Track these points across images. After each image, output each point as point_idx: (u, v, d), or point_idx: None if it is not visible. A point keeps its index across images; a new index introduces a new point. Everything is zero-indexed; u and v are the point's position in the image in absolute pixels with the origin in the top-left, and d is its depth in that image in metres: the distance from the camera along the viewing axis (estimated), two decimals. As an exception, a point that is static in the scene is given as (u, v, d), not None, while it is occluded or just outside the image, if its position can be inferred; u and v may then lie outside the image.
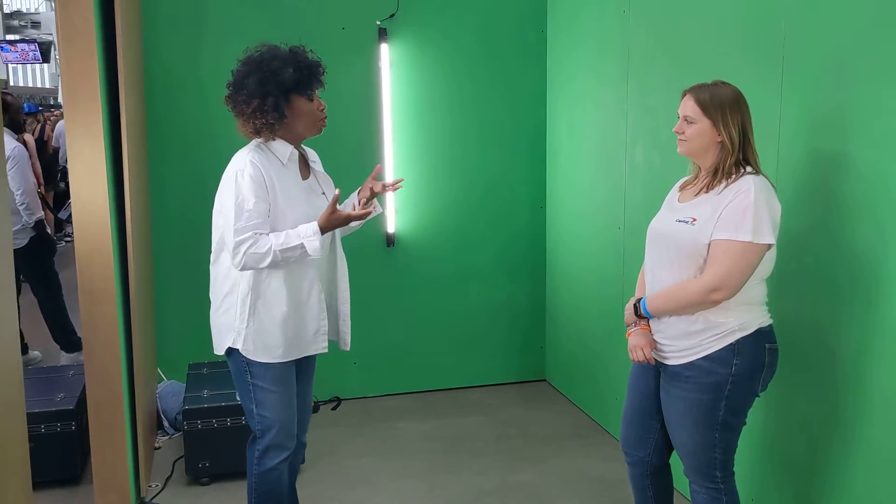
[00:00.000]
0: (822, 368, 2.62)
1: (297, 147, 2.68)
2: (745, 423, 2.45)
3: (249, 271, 2.56)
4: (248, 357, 2.63)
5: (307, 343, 2.69)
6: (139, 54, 4.06)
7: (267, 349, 2.62)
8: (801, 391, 2.73)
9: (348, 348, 2.85)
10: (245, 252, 2.48)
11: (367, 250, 4.59)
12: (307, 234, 2.49)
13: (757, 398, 2.43)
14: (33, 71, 19.54)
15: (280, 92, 2.51)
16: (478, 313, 4.86)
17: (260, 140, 2.60)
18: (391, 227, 4.64)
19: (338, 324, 2.82)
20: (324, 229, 2.52)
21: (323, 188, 2.77)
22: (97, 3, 3.05)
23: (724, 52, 3.06)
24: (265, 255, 2.48)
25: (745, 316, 2.34)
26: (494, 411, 4.54)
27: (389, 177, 4.57)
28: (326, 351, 2.75)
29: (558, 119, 4.64)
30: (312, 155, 2.81)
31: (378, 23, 4.46)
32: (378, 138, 4.54)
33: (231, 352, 2.67)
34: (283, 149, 2.61)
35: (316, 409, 4.52)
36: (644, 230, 2.59)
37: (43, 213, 5.20)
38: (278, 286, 2.59)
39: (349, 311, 2.83)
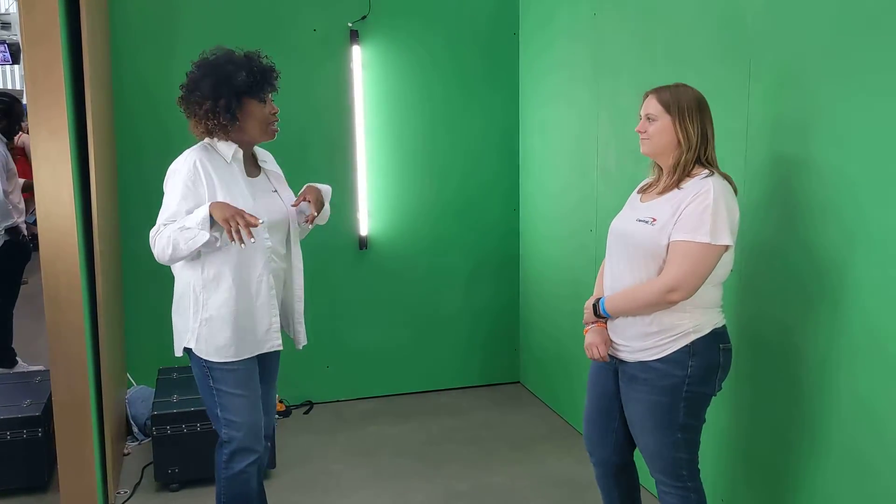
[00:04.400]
0: (790, 369, 2.64)
1: (246, 148, 2.70)
2: (704, 422, 2.46)
3: (198, 271, 2.59)
4: (202, 357, 2.63)
5: (259, 341, 2.68)
6: (107, 57, 4.02)
7: (218, 349, 2.62)
8: (770, 392, 2.75)
9: (300, 347, 2.85)
10: (154, 241, 2.51)
11: (340, 253, 4.58)
12: (197, 220, 2.44)
13: (714, 397, 2.44)
14: (3, 72, 19.28)
15: (232, 94, 2.55)
16: (451, 316, 4.86)
17: (207, 140, 2.65)
18: (364, 230, 4.63)
19: (292, 322, 2.82)
20: (215, 213, 2.44)
21: (275, 186, 2.78)
22: (62, 5, 3.01)
23: (693, 54, 3.08)
24: (168, 239, 2.46)
25: (700, 318, 2.36)
26: (467, 414, 4.53)
27: (363, 179, 4.55)
28: (281, 348, 2.74)
29: (531, 121, 4.65)
30: (263, 155, 2.83)
31: (350, 24, 4.44)
32: (350, 140, 4.52)
33: (190, 353, 2.67)
34: (227, 148, 2.63)
35: (288, 413, 4.50)
36: (615, 231, 2.60)
37: (18, 218, 5.10)
38: (227, 285, 2.59)
39: (303, 309, 2.83)
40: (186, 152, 2.63)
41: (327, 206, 2.85)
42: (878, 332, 2.30)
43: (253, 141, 2.69)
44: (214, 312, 2.60)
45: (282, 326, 2.80)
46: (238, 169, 2.66)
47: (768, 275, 2.71)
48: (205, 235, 2.43)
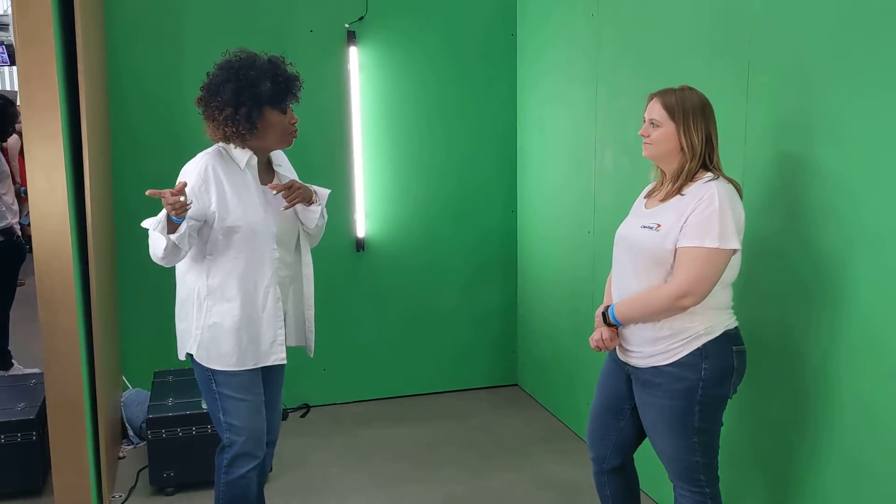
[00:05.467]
0: (790, 370, 2.63)
1: (261, 155, 2.65)
2: (722, 425, 2.44)
3: (203, 278, 2.57)
4: (203, 364, 2.61)
5: (263, 353, 2.65)
6: (102, 58, 3.99)
7: (220, 357, 2.59)
8: (770, 393, 2.73)
9: (311, 354, 2.84)
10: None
11: (337, 255, 4.56)
12: (155, 223, 2.41)
13: (729, 400, 2.43)
14: (1, 74, 19.25)
15: (254, 104, 2.49)
16: (448, 318, 4.84)
17: (222, 144, 2.59)
18: (361, 232, 4.61)
19: (304, 330, 2.81)
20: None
21: None
22: (56, 5, 2.99)
23: (692, 55, 3.06)
24: (150, 241, 2.47)
25: (711, 320, 2.34)
26: (465, 417, 4.51)
27: (359, 180, 4.53)
28: (285, 362, 2.71)
29: (529, 122, 4.63)
30: (278, 158, 2.78)
31: (347, 25, 4.42)
32: (347, 142, 4.50)
33: (193, 357, 2.65)
34: (242, 155, 2.59)
35: (285, 416, 4.47)
36: (614, 233, 2.58)
37: (13, 219, 5.07)
38: (232, 294, 2.57)
39: (314, 317, 2.81)
40: (199, 155, 2.58)
41: (317, 208, 2.70)
42: (879, 333, 2.28)
43: (270, 149, 2.66)
44: (218, 320, 2.58)
45: (292, 336, 2.79)
46: (251, 176, 2.61)
47: (768, 275, 2.70)
48: (161, 240, 2.39)
